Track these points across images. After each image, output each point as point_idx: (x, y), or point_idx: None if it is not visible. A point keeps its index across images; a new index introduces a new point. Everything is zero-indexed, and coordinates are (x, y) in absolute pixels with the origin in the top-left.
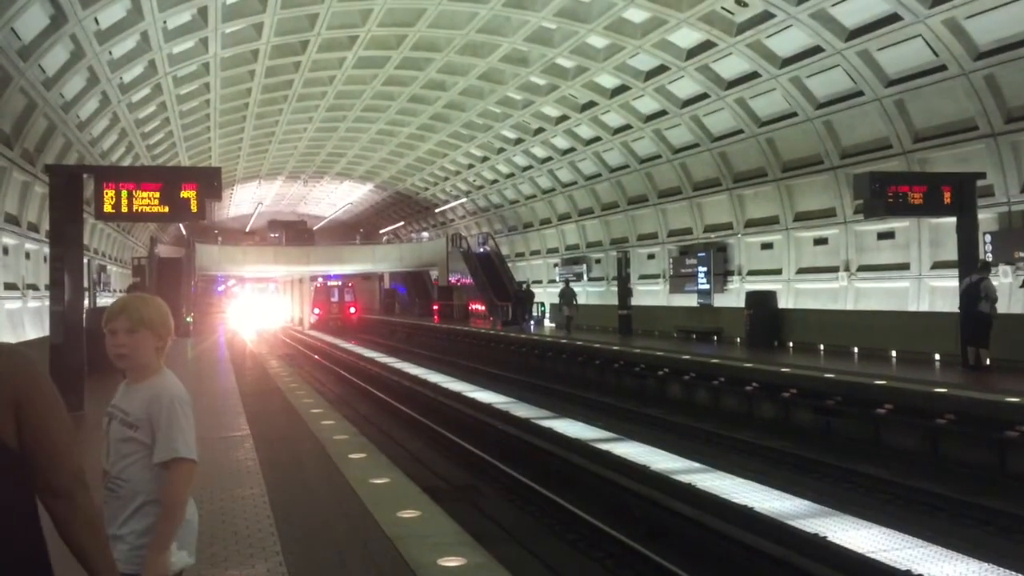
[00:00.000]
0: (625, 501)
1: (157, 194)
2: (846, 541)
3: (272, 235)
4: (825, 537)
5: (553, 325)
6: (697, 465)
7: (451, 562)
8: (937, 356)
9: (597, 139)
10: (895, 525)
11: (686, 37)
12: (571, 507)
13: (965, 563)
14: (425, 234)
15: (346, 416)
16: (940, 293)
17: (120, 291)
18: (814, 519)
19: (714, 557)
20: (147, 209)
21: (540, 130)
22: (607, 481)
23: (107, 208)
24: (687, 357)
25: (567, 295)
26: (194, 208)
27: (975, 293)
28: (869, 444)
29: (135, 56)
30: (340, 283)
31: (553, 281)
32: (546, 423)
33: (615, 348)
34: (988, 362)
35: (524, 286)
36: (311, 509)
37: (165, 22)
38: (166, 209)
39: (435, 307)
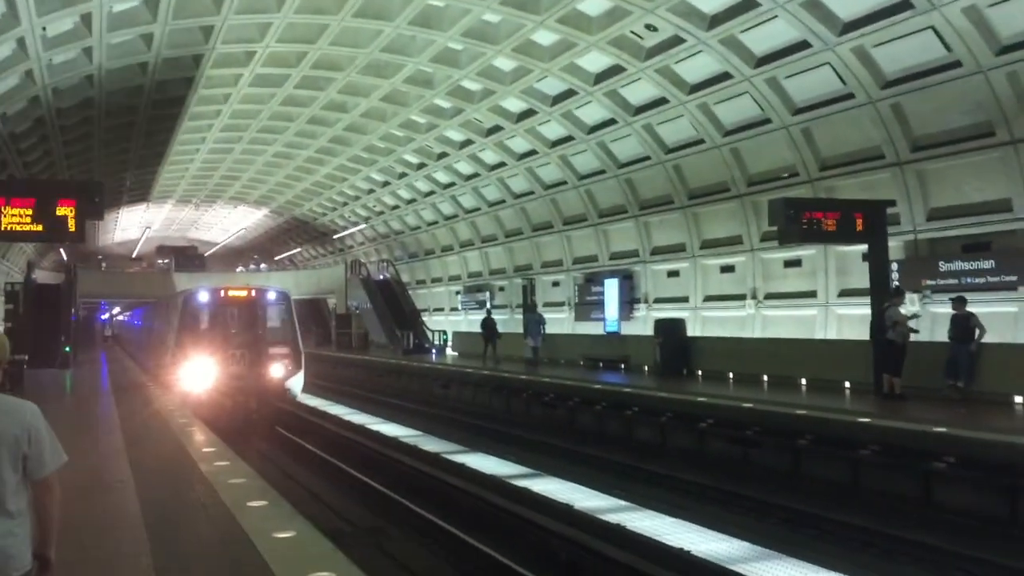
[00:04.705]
0: (548, 543)
1: (29, 211)
2: None
3: (161, 261)
4: None
5: (456, 354)
6: (623, 503)
7: None
8: (847, 384)
9: (502, 164)
10: (831, 564)
11: (595, 61)
12: (489, 550)
13: None
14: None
15: (241, 455)
16: (847, 321)
17: None
18: (755, 562)
19: None
20: (17, 227)
21: (444, 155)
22: (528, 522)
23: None
24: (599, 386)
25: (533, 322)
26: (72, 227)
27: (881, 321)
28: (789, 475)
29: (10, 65)
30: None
31: (455, 309)
32: (458, 458)
33: (522, 377)
34: (899, 391)
35: (488, 314)
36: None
37: (44, 28)
38: (39, 228)
39: None
